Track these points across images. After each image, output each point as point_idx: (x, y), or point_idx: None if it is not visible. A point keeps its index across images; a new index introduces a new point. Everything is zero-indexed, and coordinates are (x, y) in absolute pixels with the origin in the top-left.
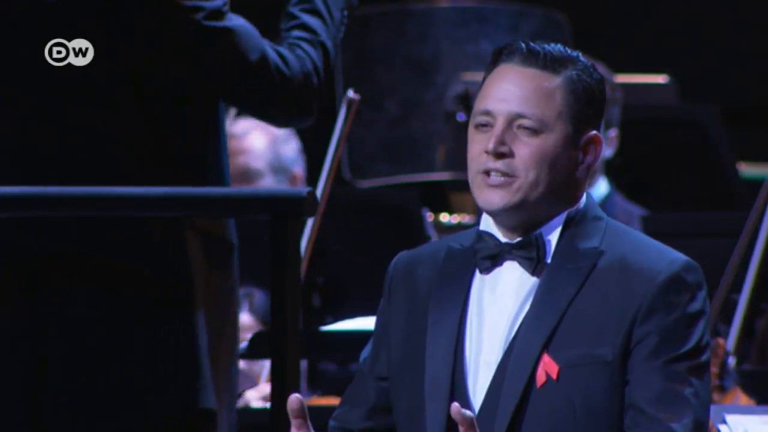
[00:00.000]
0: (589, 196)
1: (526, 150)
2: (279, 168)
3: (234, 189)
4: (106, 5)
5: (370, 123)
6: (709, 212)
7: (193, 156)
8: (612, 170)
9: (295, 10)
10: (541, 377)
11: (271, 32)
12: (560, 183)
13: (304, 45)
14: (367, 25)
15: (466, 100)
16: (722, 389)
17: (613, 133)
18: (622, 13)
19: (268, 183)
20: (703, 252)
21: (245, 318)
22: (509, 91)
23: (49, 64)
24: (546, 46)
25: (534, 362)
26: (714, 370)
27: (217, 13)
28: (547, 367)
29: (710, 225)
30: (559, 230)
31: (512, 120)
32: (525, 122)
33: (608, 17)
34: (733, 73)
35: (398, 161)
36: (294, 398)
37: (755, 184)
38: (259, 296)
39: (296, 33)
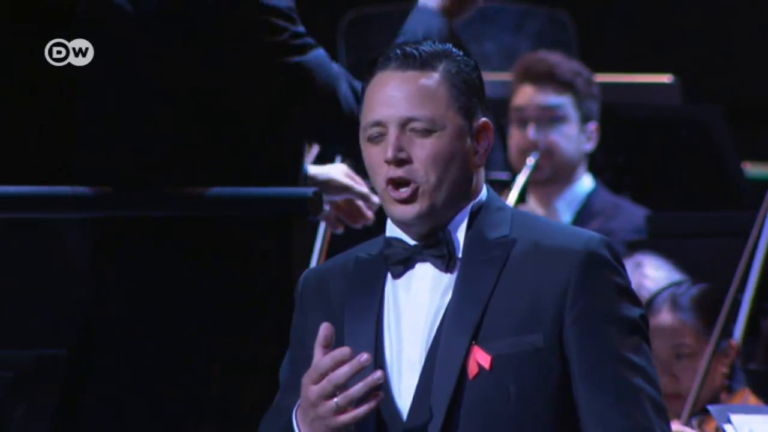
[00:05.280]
0: (489, 188)
1: (422, 152)
2: None
3: (240, 189)
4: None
5: None
6: (713, 212)
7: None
8: (615, 170)
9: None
10: (473, 369)
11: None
12: (460, 177)
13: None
14: (369, 25)
15: None
16: (730, 389)
17: (593, 126)
18: (627, 12)
19: None
20: (708, 251)
21: None
22: (394, 97)
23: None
24: (419, 45)
25: (463, 355)
26: (724, 370)
27: (299, 40)
28: (479, 357)
29: (714, 224)
30: (465, 224)
31: (404, 125)
32: (417, 125)
33: (612, 17)
34: (738, 73)
35: None
36: (325, 325)
37: (760, 183)
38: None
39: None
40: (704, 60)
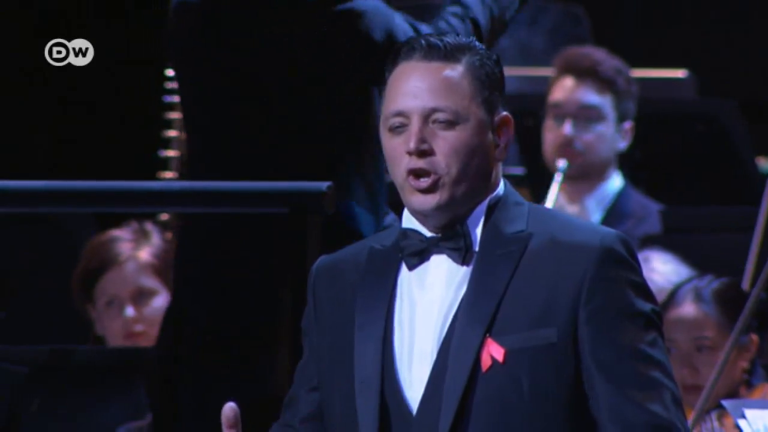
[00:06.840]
0: (506, 183)
1: (445, 145)
2: None
3: (252, 183)
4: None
5: None
6: (727, 207)
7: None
8: (630, 165)
9: None
10: (486, 361)
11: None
12: (480, 171)
13: (451, 18)
14: None
15: None
16: (749, 384)
17: (628, 125)
18: (641, 7)
19: None
20: (722, 246)
21: None
22: (418, 88)
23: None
24: (443, 37)
25: (477, 348)
26: (744, 365)
27: None
28: (493, 350)
29: (728, 220)
30: (482, 218)
31: (427, 116)
32: (440, 116)
33: (627, 11)
34: (752, 68)
35: None
36: (228, 407)
37: None
38: None
39: (450, 8)
40: (718, 54)
